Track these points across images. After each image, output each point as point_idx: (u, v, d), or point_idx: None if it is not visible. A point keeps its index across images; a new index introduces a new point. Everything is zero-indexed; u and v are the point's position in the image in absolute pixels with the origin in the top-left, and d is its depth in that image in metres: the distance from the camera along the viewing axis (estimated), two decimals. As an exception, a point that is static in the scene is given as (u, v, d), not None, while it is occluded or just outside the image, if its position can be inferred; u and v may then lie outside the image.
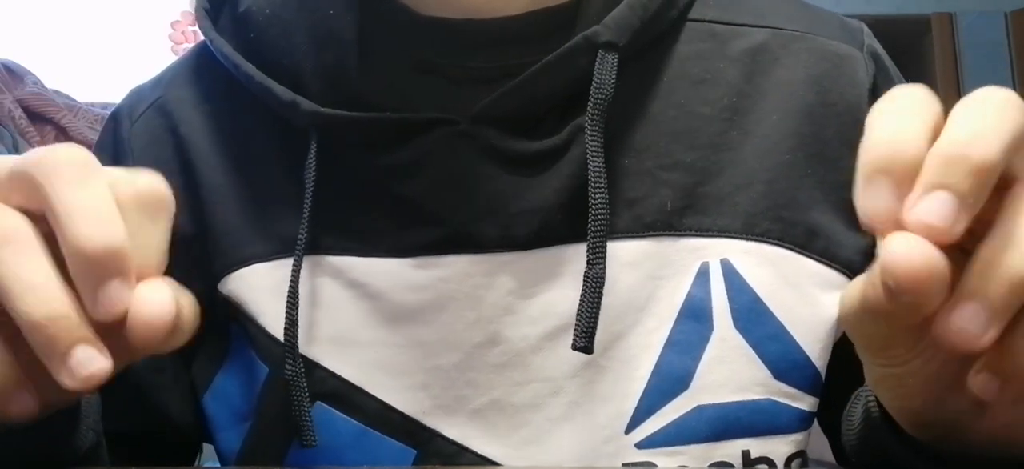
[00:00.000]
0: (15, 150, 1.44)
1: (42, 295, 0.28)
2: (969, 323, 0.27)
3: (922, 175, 0.27)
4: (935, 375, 0.31)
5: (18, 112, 1.54)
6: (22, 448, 0.35)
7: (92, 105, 1.68)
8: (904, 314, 0.28)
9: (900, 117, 0.29)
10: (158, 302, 0.30)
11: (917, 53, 3.21)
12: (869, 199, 0.28)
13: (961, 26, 3.28)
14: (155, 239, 0.31)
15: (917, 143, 0.28)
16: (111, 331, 0.31)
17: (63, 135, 1.59)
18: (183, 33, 2.70)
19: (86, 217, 0.29)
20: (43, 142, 1.56)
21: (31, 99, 1.57)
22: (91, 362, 0.29)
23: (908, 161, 0.28)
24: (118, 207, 0.30)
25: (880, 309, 0.29)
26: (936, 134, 0.28)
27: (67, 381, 0.29)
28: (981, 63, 3.28)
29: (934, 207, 0.27)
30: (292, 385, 0.44)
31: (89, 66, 2.62)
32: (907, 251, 0.26)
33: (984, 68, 3.27)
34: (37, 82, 1.61)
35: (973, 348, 0.27)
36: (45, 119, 1.59)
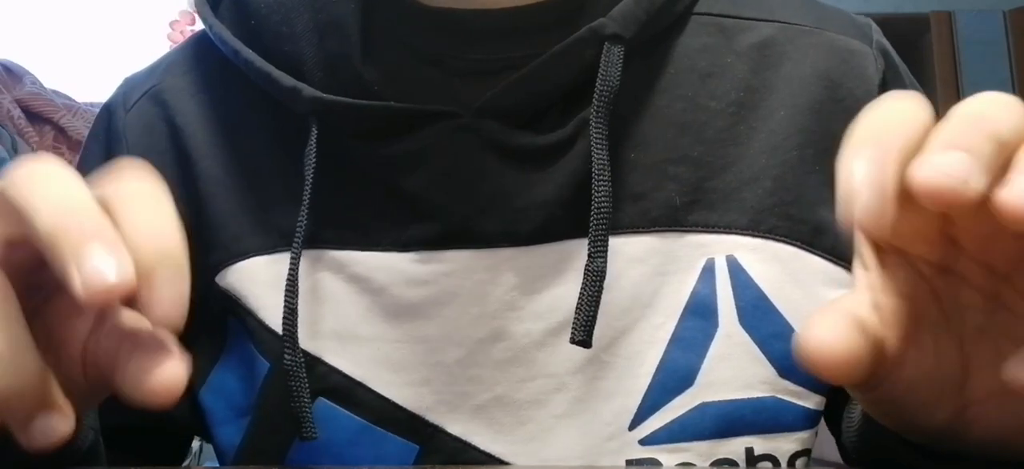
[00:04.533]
0: (14, 150, 1.44)
1: (4, 367, 0.28)
2: None
3: (933, 139, 0.26)
4: (897, 398, 0.31)
5: (17, 112, 1.54)
6: (22, 450, 0.35)
7: (91, 105, 1.68)
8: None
9: (898, 104, 0.28)
10: (172, 372, 0.29)
11: (916, 51, 3.21)
12: (853, 162, 0.26)
13: (960, 24, 3.28)
14: (158, 215, 0.30)
15: (916, 122, 0.27)
16: (93, 369, 0.31)
17: (62, 135, 1.59)
18: (182, 32, 2.70)
19: (51, 201, 0.28)
20: (42, 142, 1.56)
21: (30, 99, 1.57)
22: (51, 431, 0.29)
23: (905, 134, 0.26)
24: (113, 200, 0.29)
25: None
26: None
27: (27, 445, 0.29)
28: (980, 61, 3.28)
29: (950, 160, 0.25)
30: (292, 376, 0.44)
31: (88, 66, 2.62)
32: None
33: (983, 66, 3.27)
34: (36, 82, 1.61)
35: None
36: (44, 119, 1.59)
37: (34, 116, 1.57)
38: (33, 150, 1.49)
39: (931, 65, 3.18)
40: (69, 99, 1.66)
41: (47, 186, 0.28)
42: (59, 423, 0.29)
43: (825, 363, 0.27)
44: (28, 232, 0.28)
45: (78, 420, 0.31)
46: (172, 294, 0.28)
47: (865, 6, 2.87)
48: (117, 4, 2.75)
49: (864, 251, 0.31)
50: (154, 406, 0.29)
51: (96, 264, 0.26)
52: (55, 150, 1.56)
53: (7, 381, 0.27)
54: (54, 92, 1.64)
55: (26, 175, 0.29)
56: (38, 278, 0.30)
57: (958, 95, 3.14)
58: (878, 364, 0.29)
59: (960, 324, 0.30)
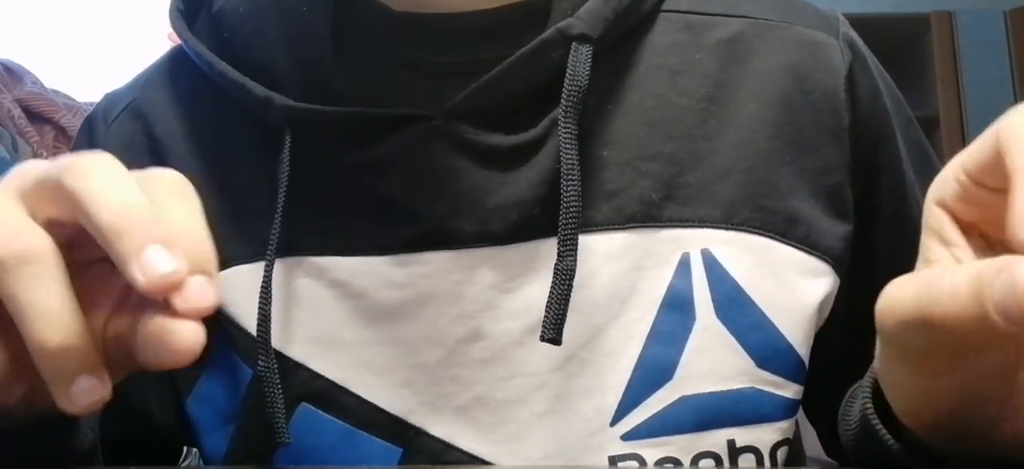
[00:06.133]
0: (14, 150, 1.45)
1: (54, 323, 0.29)
2: None
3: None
4: (966, 385, 0.30)
5: (17, 112, 1.54)
6: (22, 448, 0.35)
7: (91, 105, 1.68)
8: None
9: None
10: (193, 333, 0.30)
11: (916, 51, 3.21)
12: None
13: (960, 24, 3.28)
14: (192, 216, 0.32)
15: None
16: (114, 344, 0.32)
17: (62, 135, 1.59)
18: (182, 33, 2.70)
19: (111, 198, 0.29)
20: (42, 142, 1.56)
21: (30, 99, 1.57)
22: (91, 392, 0.30)
23: None
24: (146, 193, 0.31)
25: (959, 327, 0.27)
26: None
27: (66, 406, 0.30)
28: (980, 61, 3.27)
29: None
30: (265, 382, 0.44)
31: (88, 66, 2.63)
32: None
33: (983, 66, 3.26)
34: (36, 82, 1.61)
35: None
36: (44, 119, 1.59)
37: (35, 116, 1.57)
38: (34, 150, 1.50)
39: (931, 65, 3.17)
40: (70, 99, 1.66)
41: (104, 181, 0.30)
42: (99, 387, 0.30)
43: None
44: (81, 220, 0.30)
45: None
46: (204, 290, 0.30)
47: (865, 6, 2.87)
48: (117, 4, 2.76)
49: (946, 229, 0.31)
50: (172, 365, 0.30)
51: (156, 261, 0.29)
52: (56, 150, 1.57)
53: (60, 337, 0.29)
54: (54, 92, 1.64)
55: (82, 167, 0.30)
56: (65, 258, 0.31)
57: (958, 95, 3.14)
58: None
59: None
